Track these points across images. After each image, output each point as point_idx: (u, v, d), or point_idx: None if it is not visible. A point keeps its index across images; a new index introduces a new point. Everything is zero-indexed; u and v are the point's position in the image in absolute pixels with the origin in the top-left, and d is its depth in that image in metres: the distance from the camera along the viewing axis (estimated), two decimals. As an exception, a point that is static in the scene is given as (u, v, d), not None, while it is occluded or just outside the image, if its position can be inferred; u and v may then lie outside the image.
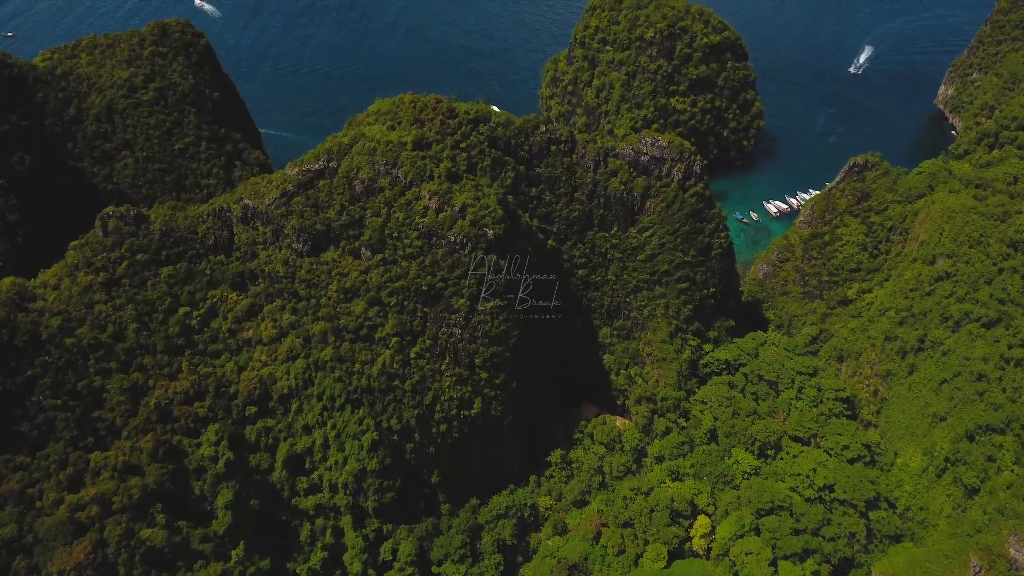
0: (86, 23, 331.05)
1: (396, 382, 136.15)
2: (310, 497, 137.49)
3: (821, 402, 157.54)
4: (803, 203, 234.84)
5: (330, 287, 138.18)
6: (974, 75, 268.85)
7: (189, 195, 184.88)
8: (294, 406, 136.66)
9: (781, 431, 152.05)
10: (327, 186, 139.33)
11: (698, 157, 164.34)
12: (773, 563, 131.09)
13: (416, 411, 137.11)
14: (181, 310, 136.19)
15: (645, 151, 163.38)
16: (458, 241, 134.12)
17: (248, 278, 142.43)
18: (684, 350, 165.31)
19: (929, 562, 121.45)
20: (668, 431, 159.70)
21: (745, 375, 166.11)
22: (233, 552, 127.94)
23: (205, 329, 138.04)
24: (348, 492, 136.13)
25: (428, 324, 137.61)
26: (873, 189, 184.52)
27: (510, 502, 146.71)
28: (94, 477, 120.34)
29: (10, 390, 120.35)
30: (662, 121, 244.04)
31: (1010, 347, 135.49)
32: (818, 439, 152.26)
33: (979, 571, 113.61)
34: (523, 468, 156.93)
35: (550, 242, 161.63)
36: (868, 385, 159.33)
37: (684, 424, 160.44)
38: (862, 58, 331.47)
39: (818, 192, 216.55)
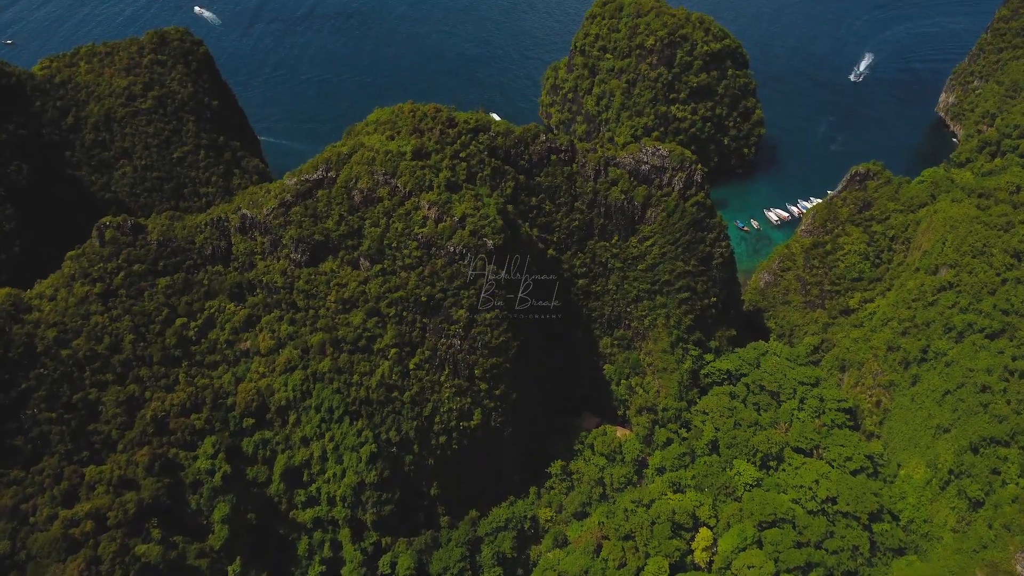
0: (85, 31, 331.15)
1: (395, 393, 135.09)
2: (308, 510, 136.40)
3: (823, 413, 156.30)
4: (804, 211, 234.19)
5: (329, 298, 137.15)
6: (975, 83, 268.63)
7: (188, 203, 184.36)
8: (292, 418, 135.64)
9: (783, 442, 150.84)
10: (326, 196, 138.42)
11: (699, 166, 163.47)
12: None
13: (415, 423, 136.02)
14: (178, 321, 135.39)
15: (646, 160, 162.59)
16: (458, 251, 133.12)
17: (246, 288, 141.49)
18: (685, 360, 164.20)
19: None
20: (669, 442, 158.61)
21: (747, 385, 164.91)
22: (230, 568, 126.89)
23: (202, 340, 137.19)
24: (346, 505, 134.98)
25: (427, 335, 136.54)
26: (875, 198, 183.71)
27: (510, 514, 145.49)
28: (89, 492, 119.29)
29: (4, 403, 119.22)
30: (662, 129, 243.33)
31: (1014, 359, 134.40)
32: (820, 450, 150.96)
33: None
34: (523, 480, 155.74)
35: (550, 251, 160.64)
36: (871, 396, 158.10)
37: (685, 435, 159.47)
38: (862, 66, 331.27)
39: (819, 200, 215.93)
